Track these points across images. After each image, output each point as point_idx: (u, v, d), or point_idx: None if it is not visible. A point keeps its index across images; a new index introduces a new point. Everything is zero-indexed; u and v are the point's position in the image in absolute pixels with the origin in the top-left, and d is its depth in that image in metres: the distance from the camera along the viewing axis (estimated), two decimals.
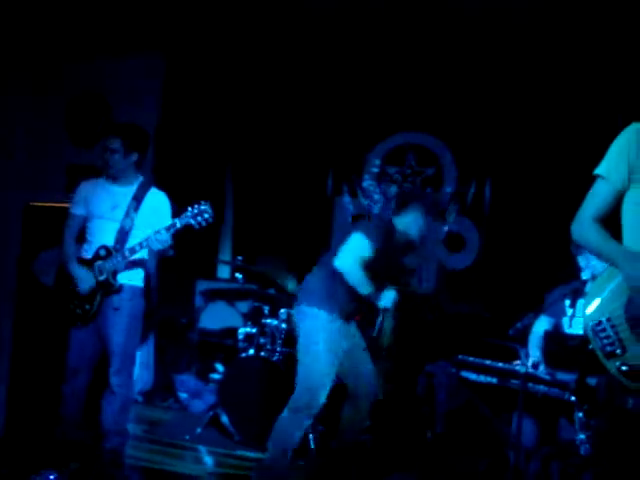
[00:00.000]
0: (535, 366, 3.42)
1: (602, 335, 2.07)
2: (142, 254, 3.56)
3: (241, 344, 4.78)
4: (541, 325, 3.72)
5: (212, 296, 5.73)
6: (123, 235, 3.48)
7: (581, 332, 2.44)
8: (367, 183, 5.68)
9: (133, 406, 5.14)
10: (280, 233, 5.80)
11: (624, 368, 2.00)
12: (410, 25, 5.07)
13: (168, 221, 3.43)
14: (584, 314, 2.13)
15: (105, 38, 4.85)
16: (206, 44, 5.31)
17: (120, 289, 3.50)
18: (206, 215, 3.31)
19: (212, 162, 5.99)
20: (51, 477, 3.43)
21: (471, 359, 3.59)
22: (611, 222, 2.25)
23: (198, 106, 5.64)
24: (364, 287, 3.39)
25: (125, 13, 4.71)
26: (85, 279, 3.47)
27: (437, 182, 5.50)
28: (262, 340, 4.61)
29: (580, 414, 2.96)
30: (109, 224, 3.51)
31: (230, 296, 5.61)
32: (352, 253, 3.39)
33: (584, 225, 2.22)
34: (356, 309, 3.47)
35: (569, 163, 4.61)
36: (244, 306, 5.40)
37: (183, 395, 5.25)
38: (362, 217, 5.66)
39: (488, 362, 3.52)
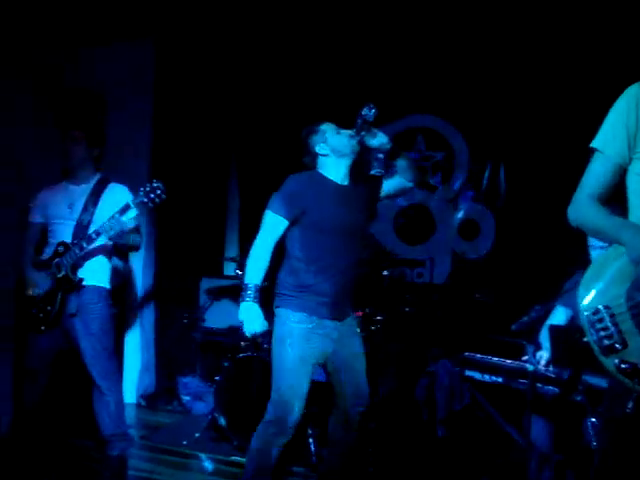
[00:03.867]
0: (549, 363, 3.08)
1: (599, 326, 1.74)
2: (101, 244, 3.40)
3: (243, 344, 4.54)
4: (556, 317, 3.37)
5: (217, 294, 5.51)
6: (81, 229, 3.35)
7: None
8: (375, 171, 5.35)
9: (135, 410, 5.03)
10: None
11: (624, 366, 1.66)
12: (419, 4, 4.76)
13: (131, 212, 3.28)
14: (579, 303, 1.81)
15: (92, 29, 4.62)
16: (200, 26, 5.05)
17: (80, 283, 3.34)
18: (158, 192, 3.21)
19: (214, 152, 5.74)
20: None
21: (478, 356, 3.27)
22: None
23: (195, 94, 5.40)
24: (252, 275, 2.90)
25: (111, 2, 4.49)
26: (38, 283, 3.37)
27: (448, 167, 5.16)
28: (260, 339, 4.38)
29: (593, 418, 2.62)
30: (67, 223, 3.40)
31: (235, 293, 5.38)
32: (259, 233, 2.98)
33: (580, 205, 1.92)
34: (332, 303, 2.95)
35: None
36: None
37: (186, 398, 5.04)
38: None
39: (496, 359, 3.18)
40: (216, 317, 5.48)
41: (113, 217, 3.20)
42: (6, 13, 4.12)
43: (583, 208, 1.91)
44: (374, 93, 5.20)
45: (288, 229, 2.97)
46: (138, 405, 5.12)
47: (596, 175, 1.91)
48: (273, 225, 2.95)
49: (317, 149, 3.06)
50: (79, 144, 3.44)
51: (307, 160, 3.13)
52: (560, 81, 4.63)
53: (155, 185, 3.21)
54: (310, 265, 2.95)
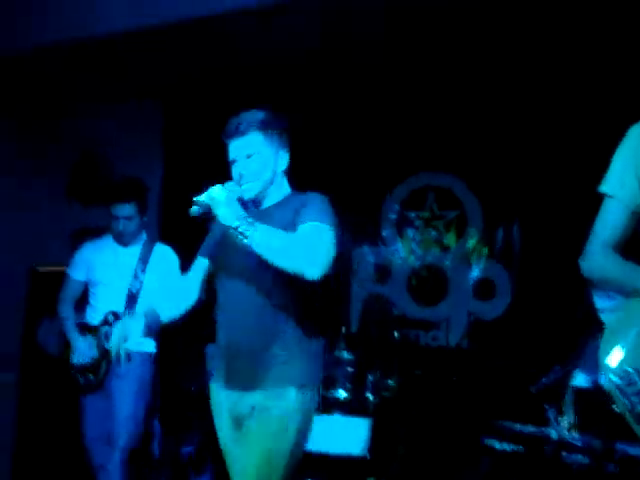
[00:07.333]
0: (572, 427, 2.87)
1: (631, 391, 1.57)
2: None
3: None
4: (578, 382, 3.17)
5: None
6: (132, 299, 3.29)
7: None
8: (386, 232, 5.26)
9: None
10: None
11: None
12: (426, 61, 4.75)
13: (177, 274, 3.22)
14: (604, 367, 1.64)
15: (95, 91, 4.63)
16: (208, 85, 5.06)
17: (129, 356, 3.19)
18: None
19: None
20: None
21: (497, 422, 3.06)
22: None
23: (204, 151, 5.36)
24: None
25: (115, 65, 4.50)
26: (83, 352, 3.27)
27: (461, 226, 5.03)
28: None
29: None
30: (115, 288, 3.33)
31: None
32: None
33: (594, 255, 1.79)
34: None
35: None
36: None
37: None
38: (385, 267, 5.26)
39: (517, 426, 2.98)
40: None
41: None
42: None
43: (597, 257, 1.79)
44: (385, 153, 5.17)
45: None
46: None
47: (608, 221, 1.80)
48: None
49: None
50: (132, 220, 3.37)
51: None
52: (572, 137, 4.54)
53: None
54: None
